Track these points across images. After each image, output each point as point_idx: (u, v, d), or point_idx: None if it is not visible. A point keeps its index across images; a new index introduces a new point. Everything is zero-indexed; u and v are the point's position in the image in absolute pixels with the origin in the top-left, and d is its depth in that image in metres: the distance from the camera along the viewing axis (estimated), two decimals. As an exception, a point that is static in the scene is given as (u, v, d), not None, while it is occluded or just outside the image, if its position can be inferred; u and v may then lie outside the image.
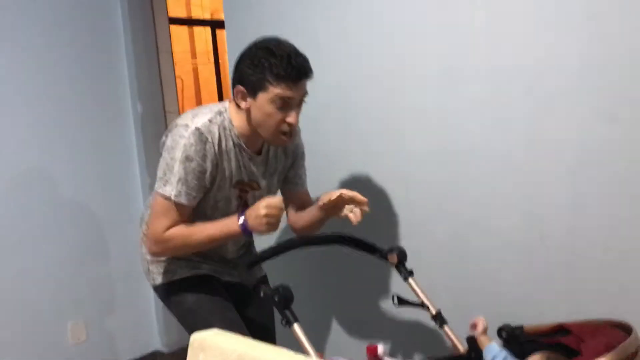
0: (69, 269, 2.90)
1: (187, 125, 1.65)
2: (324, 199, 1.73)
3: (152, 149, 3.17)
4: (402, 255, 1.79)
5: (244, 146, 1.74)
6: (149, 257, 1.87)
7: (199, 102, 5.47)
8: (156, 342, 3.29)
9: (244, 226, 1.63)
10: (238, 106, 1.69)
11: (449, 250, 2.00)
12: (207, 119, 1.67)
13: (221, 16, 2.61)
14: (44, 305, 2.82)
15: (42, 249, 2.81)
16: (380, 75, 2.08)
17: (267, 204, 1.60)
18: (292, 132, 1.70)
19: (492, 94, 1.82)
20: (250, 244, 2.02)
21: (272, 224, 1.61)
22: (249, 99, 1.65)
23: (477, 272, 1.94)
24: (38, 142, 2.80)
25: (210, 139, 1.65)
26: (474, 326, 1.59)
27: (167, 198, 1.65)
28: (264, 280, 2.01)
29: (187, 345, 1.23)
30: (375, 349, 1.65)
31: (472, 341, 1.63)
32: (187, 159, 1.63)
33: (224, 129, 1.70)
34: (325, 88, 2.24)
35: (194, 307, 1.81)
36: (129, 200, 3.14)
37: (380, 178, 2.15)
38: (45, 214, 2.83)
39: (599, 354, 1.14)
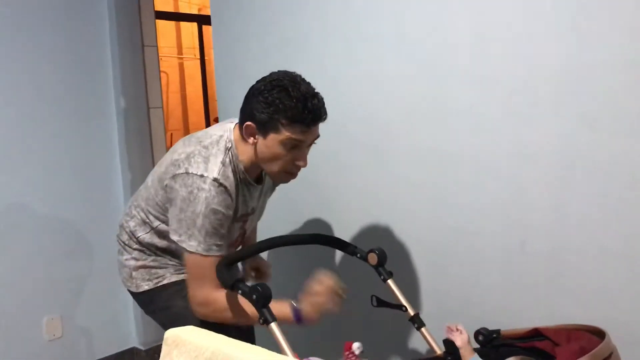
0: (45, 265, 2.86)
1: (203, 176, 1.57)
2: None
3: (134, 144, 3.15)
4: (382, 257, 1.79)
5: (248, 179, 1.69)
6: (132, 263, 1.81)
7: (183, 98, 5.44)
8: (133, 340, 3.26)
9: (297, 314, 1.57)
10: (244, 138, 1.63)
11: (429, 254, 2.01)
12: (219, 161, 1.60)
13: (209, 12, 2.59)
14: (19, 300, 2.78)
15: (18, 244, 2.77)
16: (367, 78, 2.08)
17: (323, 291, 1.58)
18: (297, 173, 1.65)
19: (476, 100, 1.83)
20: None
21: (327, 308, 1.59)
22: (258, 137, 1.59)
23: (456, 275, 1.94)
24: (17, 136, 2.76)
25: (229, 187, 1.60)
26: (449, 330, 1.59)
27: (199, 255, 1.58)
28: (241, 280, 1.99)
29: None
30: (351, 345, 1.65)
31: (449, 344, 1.64)
32: (213, 212, 1.57)
33: (235, 166, 1.64)
34: (313, 83, 2.24)
35: (184, 312, 1.70)
36: (110, 196, 3.11)
37: (365, 180, 2.15)
38: (23, 209, 2.78)
39: (573, 359, 1.15)
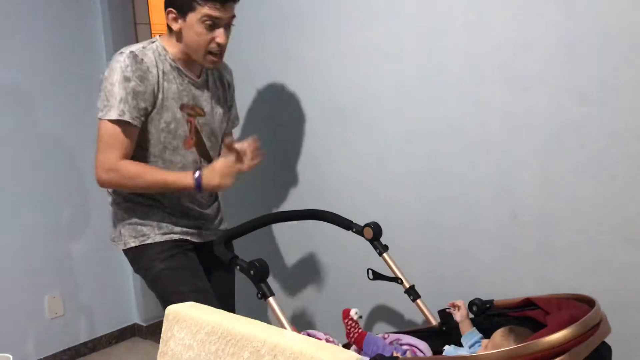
0: (45, 244, 2.89)
1: (121, 52, 1.72)
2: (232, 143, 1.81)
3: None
4: (377, 231, 1.82)
5: (182, 70, 1.80)
6: (120, 217, 1.87)
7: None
8: (134, 316, 3.31)
9: (198, 181, 1.71)
10: (170, 30, 1.76)
11: (423, 227, 2.03)
12: (140, 46, 1.76)
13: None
14: (21, 279, 2.81)
15: (17, 223, 2.79)
16: (358, 54, 2.08)
17: (224, 162, 1.71)
18: (221, 53, 1.77)
19: (467, 74, 1.84)
20: (216, 197, 2.04)
21: (226, 180, 1.71)
22: (180, 21, 1.72)
23: (450, 248, 1.98)
24: (13, 114, 2.75)
25: (145, 61, 1.72)
26: (453, 306, 1.62)
27: (113, 122, 1.69)
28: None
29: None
30: (349, 311, 1.69)
31: (444, 314, 1.67)
32: (125, 79, 1.68)
33: (159, 54, 1.77)
34: (304, 65, 2.24)
35: (163, 274, 1.82)
36: (106, 174, 3.12)
37: (358, 155, 2.16)
38: (22, 188, 2.80)
39: (564, 326, 1.18)
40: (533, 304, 1.47)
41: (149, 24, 3.24)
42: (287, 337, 1.06)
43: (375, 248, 1.82)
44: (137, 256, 1.87)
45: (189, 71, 1.82)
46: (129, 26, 3.12)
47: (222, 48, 1.76)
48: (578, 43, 1.62)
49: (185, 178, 1.72)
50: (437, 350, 1.60)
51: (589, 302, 1.33)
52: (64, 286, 2.97)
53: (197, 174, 1.71)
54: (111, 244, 1.94)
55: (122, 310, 3.26)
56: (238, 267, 1.57)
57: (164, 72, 1.76)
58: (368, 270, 1.81)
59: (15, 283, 2.79)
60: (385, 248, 1.82)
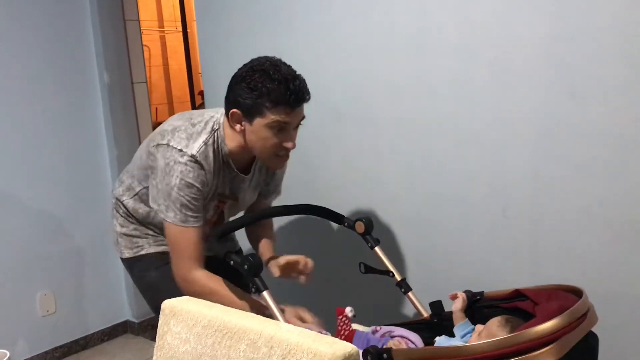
0: (37, 241, 2.88)
1: (182, 151, 1.61)
2: (282, 261, 1.78)
3: (119, 120, 3.15)
4: (369, 225, 1.83)
5: (232, 165, 1.72)
6: (118, 229, 1.89)
7: (166, 71, 5.39)
8: (126, 313, 3.31)
9: None
10: (231, 126, 1.65)
11: (414, 221, 2.06)
12: (202, 141, 1.64)
13: (189, -16, 2.58)
14: (12, 277, 2.81)
15: (9, 221, 2.78)
16: (351, 50, 2.10)
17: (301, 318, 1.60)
18: (288, 155, 1.67)
19: (458, 71, 1.86)
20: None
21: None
22: (244, 122, 1.61)
23: (440, 241, 2.00)
24: (1, 114, 2.74)
25: (206, 165, 1.64)
26: (453, 297, 1.64)
27: (176, 225, 1.63)
28: (239, 252, 2.04)
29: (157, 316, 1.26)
30: (343, 310, 1.71)
31: (435, 306, 1.70)
32: (187, 186, 1.61)
33: (218, 149, 1.67)
34: (295, 63, 2.25)
35: (156, 283, 1.83)
36: (97, 171, 3.12)
37: (350, 151, 2.18)
38: (12, 186, 2.79)
39: (553, 316, 1.20)
40: (522, 295, 1.50)
41: (138, 20, 3.24)
42: (284, 329, 1.08)
43: (367, 242, 1.84)
44: (132, 266, 1.89)
45: (239, 164, 1.74)
46: (118, 22, 3.11)
47: (289, 151, 1.65)
48: (568, 39, 1.64)
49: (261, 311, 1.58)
50: (428, 342, 1.62)
51: (577, 293, 1.35)
52: (55, 283, 2.97)
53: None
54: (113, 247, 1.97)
55: (114, 307, 3.26)
56: (232, 262, 1.59)
57: (216, 169, 1.68)
58: (360, 264, 1.83)
59: (6, 281, 2.79)
60: (377, 242, 1.84)
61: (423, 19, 1.90)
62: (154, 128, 3.39)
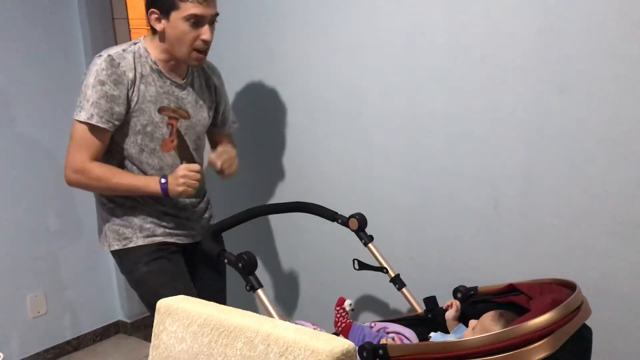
0: (26, 242, 2.85)
1: (99, 55, 1.73)
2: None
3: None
4: (362, 222, 1.84)
5: (164, 72, 1.79)
6: (104, 221, 1.88)
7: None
8: (118, 313, 3.29)
9: (164, 187, 1.72)
10: (153, 32, 1.75)
11: (407, 217, 2.06)
12: (120, 49, 1.75)
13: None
14: (2, 278, 2.77)
15: (-3, 221, 2.76)
16: (340, 47, 2.10)
17: (185, 168, 1.72)
18: (206, 50, 1.76)
19: (449, 66, 1.86)
20: (204, 194, 2.03)
21: (188, 188, 1.71)
22: (163, 20, 1.71)
23: (433, 236, 2.01)
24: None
25: (122, 64, 1.71)
26: (448, 306, 1.64)
27: (83, 123, 1.70)
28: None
29: (150, 315, 1.25)
30: (344, 301, 1.73)
31: (429, 302, 1.71)
32: (99, 82, 1.68)
33: (140, 56, 1.76)
34: (286, 60, 2.25)
35: (145, 278, 1.84)
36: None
37: (341, 147, 2.18)
38: (3, 187, 2.76)
39: (547, 310, 1.21)
40: (516, 289, 1.51)
41: (127, 18, 3.22)
42: (280, 327, 1.08)
43: (361, 239, 1.85)
44: (121, 259, 1.89)
45: (172, 73, 1.81)
46: (107, 21, 3.09)
47: (207, 45, 1.75)
48: (558, 34, 1.65)
49: (154, 183, 1.74)
50: (423, 337, 1.63)
51: (570, 286, 1.37)
52: (46, 284, 2.94)
53: (163, 180, 1.73)
54: (98, 242, 1.94)
55: (106, 307, 3.24)
56: (226, 260, 1.59)
57: (142, 75, 1.75)
58: (354, 260, 1.83)
59: (-3, 283, 2.77)
60: (371, 238, 1.84)
61: (413, 15, 1.90)
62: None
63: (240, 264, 1.54)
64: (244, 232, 2.06)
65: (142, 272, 1.84)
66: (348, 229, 1.86)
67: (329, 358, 0.96)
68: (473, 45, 1.80)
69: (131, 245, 1.85)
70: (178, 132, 1.84)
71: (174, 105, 1.82)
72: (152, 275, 1.83)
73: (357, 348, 1.41)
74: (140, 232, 1.85)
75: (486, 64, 1.79)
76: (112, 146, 1.79)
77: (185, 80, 1.85)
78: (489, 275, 1.83)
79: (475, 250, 1.92)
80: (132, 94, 1.73)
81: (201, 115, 1.90)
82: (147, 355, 1.28)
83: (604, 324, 1.46)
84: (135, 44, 1.78)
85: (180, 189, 1.71)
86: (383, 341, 1.50)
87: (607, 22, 1.58)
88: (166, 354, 1.22)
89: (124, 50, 1.75)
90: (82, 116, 1.70)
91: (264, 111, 2.37)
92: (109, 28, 3.09)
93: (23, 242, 2.84)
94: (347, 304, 1.73)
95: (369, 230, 1.85)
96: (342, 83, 2.12)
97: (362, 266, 1.82)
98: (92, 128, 1.70)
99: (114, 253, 1.90)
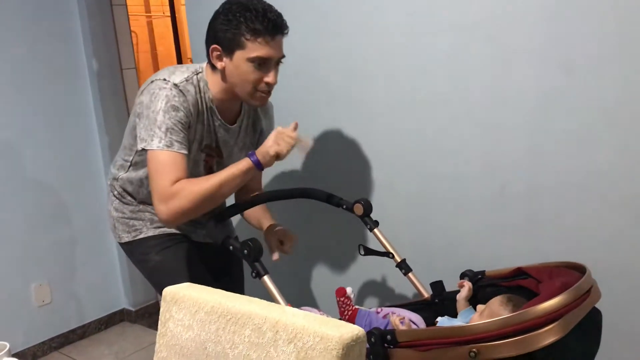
0: (30, 232, 2.85)
1: (165, 80, 1.60)
2: (279, 234, 1.83)
3: (110, 106, 3.11)
4: (368, 207, 1.82)
5: (217, 112, 1.69)
6: (114, 214, 1.86)
7: (154, 58, 5.32)
8: (122, 301, 3.30)
9: (255, 159, 1.57)
10: (213, 67, 1.64)
11: (412, 201, 2.05)
12: (184, 77, 1.62)
13: (177, -33, 2.53)
14: (7, 268, 2.78)
15: (1, 211, 2.75)
16: (343, 29, 2.07)
17: (279, 129, 1.58)
18: (269, 91, 1.65)
19: (454, 45, 1.84)
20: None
21: (281, 147, 1.55)
22: (225, 59, 1.60)
23: (439, 221, 2.00)
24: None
25: (188, 97, 1.60)
26: (461, 285, 1.63)
27: (161, 151, 1.54)
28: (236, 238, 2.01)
29: (154, 303, 1.24)
30: (344, 290, 1.71)
31: (436, 287, 1.70)
32: (173, 108, 1.56)
33: (200, 90, 1.64)
34: (287, 42, 2.22)
35: (159, 266, 1.81)
36: (88, 159, 3.08)
37: (345, 132, 2.16)
38: (3, 177, 2.75)
39: (556, 294, 1.20)
40: (525, 273, 1.50)
41: (125, 5, 3.18)
42: (289, 313, 1.06)
43: (366, 224, 1.83)
44: (132, 250, 1.86)
45: (224, 114, 1.72)
46: (106, 8, 3.06)
47: (271, 87, 1.64)
48: (562, 13, 1.63)
49: (244, 162, 1.58)
50: (430, 322, 1.62)
51: (580, 269, 1.35)
52: (50, 274, 2.95)
53: (251, 154, 1.58)
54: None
55: (110, 295, 3.24)
56: (231, 247, 1.57)
57: (198, 112, 1.64)
58: (359, 246, 1.82)
59: (0, 272, 2.76)
60: (376, 224, 1.83)
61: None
62: (145, 114, 3.36)
63: (245, 251, 1.53)
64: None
65: (155, 261, 1.81)
66: (353, 215, 1.85)
67: (339, 344, 0.95)
68: (478, 25, 1.78)
69: (142, 235, 1.82)
70: (210, 169, 1.77)
71: (214, 144, 1.74)
72: (166, 263, 1.80)
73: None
74: (151, 224, 1.83)
75: (490, 46, 1.77)
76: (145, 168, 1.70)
77: (234, 124, 1.77)
78: (495, 258, 1.82)
79: (482, 234, 1.91)
80: (191, 134, 1.64)
81: (236, 156, 1.80)
82: (152, 343, 1.27)
83: (614, 306, 1.45)
84: (197, 73, 1.65)
85: (273, 150, 1.54)
86: (392, 323, 1.49)
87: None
88: (173, 342, 1.21)
89: (187, 79, 1.61)
90: (156, 145, 1.54)
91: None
92: (107, 15, 3.06)
93: (27, 232, 2.84)
94: (349, 291, 1.71)
95: (374, 215, 1.84)
96: (345, 67, 2.10)
97: (368, 252, 1.81)
98: (172, 155, 1.55)
99: (125, 245, 1.87)
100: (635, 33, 1.53)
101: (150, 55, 5.34)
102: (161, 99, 1.56)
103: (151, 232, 1.83)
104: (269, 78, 1.61)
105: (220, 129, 1.73)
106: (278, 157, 1.56)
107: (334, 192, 1.92)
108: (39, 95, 2.86)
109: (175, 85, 1.59)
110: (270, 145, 1.55)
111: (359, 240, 1.82)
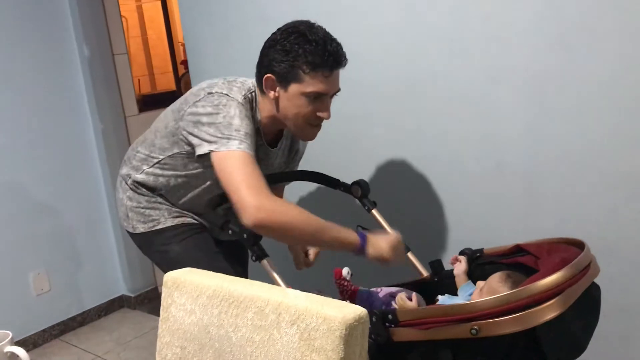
0: (26, 220, 2.85)
1: (228, 96, 1.53)
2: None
3: (102, 92, 3.08)
4: (365, 188, 1.82)
5: (262, 133, 1.65)
6: (128, 202, 1.80)
7: (145, 42, 5.28)
8: (121, 287, 3.30)
9: (362, 246, 1.51)
10: (263, 92, 1.58)
11: (409, 180, 2.05)
12: (241, 95, 1.56)
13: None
14: (4, 257, 2.78)
15: (-4, 200, 2.74)
16: (337, 11, 2.05)
17: (394, 246, 1.53)
18: (320, 125, 1.60)
19: (450, 23, 1.83)
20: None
21: (395, 255, 1.53)
22: (279, 89, 1.53)
23: (437, 199, 2.00)
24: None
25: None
26: (455, 260, 1.63)
27: (242, 152, 1.46)
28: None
29: (153, 288, 1.23)
30: (340, 271, 1.71)
31: (435, 265, 1.70)
32: (247, 117, 1.51)
33: (252, 108, 1.59)
34: (282, 18, 2.20)
35: (180, 257, 1.72)
36: (84, 145, 3.07)
37: (341, 114, 2.14)
38: (3, 165, 2.74)
39: (556, 269, 1.21)
40: (523, 250, 1.50)
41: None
42: (291, 295, 1.07)
43: (364, 205, 1.83)
44: (148, 241, 1.80)
45: (267, 136, 1.67)
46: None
47: (322, 121, 1.58)
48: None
49: (349, 236, 1.50)
50: (430, 301, 1.63)
51: (579, 245, 1.36)
52: (48, 262, 2.95)
53: (361, 235, 1.51)
54: (121, 224, 1.88)
55: (109, 282, 3.25)
56: (230, 231, 1.57)
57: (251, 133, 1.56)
58: (357, 226, 1.82)
59: (-1, 262, 2.76)
60: (374, 204, 1.83)
61: (411, -25, 1.86)
62: (138, 100, 3.35)
63: (244, 235, 1.52)
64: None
65: (176, 251, 1.74)
66: (351, 196, 1.85)
67: (342, 325, 0.96)
68: (473, 5, 1.76)
69: (160, 226, 1.76)
70: None
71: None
72: (188, 254, 1.73)
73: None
74: (169, 214, 1.77)
75: (486, 24, 1.76)
76: (172, 169, 1.68)
77: (275, 147, 1.72)
78: (494, 236, 1.82)
79: (479, 211, 1.91)
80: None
81: (269, 172, 1.74)
82: (152, 328, 1.28)
83: (612, 280, 1.46)
84: (251, 92, 1.59)
85: (387, 255, 1.51)
86: (396, 302, 1.49)
87: (610, -25, 1.54)
88: (176, 327, 1.22)
89: (244, 97, 1.55)
90: (239, 146, 1.45)
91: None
92: (97, 0, 3.02)
93: (23, 221, 2.84)
94: (345, 272, 1.71)
95: (372, 197, 1.83)
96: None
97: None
98: (250, 159, 1.46)
99: (140, 236, 1.80)
100: (632, 6, 1.52)
101: (141, 40, 5.29)
102: (234, 108, 1.51)
103: (169, 222, 1.77)
104: (323, 114, 1.55)
105: (261, 148, 1.67)
106: (383, 263, 1.52)
107: (330, 174, 1.91)
108: (30, 84, 2.83)
109: (241, 99, 1.54)
110: (386, 249, 1.50)
111: (356, 221, 1.82)
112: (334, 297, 1.70)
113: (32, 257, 2.88)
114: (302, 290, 1.12)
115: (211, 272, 1.25)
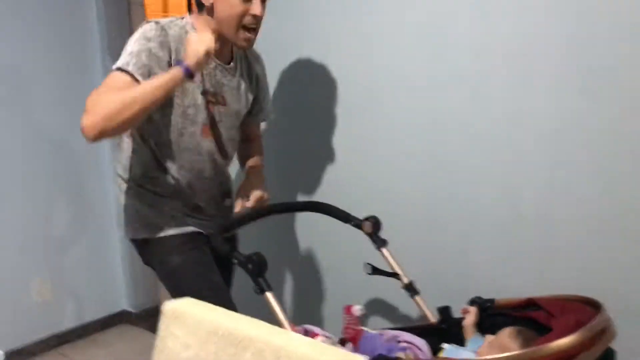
0: (31, 228, 2.83)
1: (148, 22, 1.63)
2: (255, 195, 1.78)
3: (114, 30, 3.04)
4: (377, 225, 1.79)
5: (211, 56, 1.66)
6: (130, 204, 1.79)
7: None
8: (123, 302, 3.27)
9: (183, 65, 1.51)
10: (200, 8, 1.67)
11: (423, 223, 2.01)
12: (167, 20, 1.66)
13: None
14: (6, 264, 2.76)
15: (4, 207, 2.73)
16: (365, 43, 2.04)
17: (200, 39, 1.55)
18: (256, 28, 1.67)
19: (472, 67, 1.80)
20: (230, 191, 1.95)
21: (205, 44, 1.53)
22: None
23: (451, 244, 1.95)
24: (2, 94, 2.68)
25: (171, 33, 1.62)
26: (465, 312, 1.59)
27: (116, 71, 1.55)
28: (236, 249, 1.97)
29: (155, 306, 1.20)
30: (350, 307, 1.67)
31: (443, 311, 1.65)
32: (144, 37, 1.58)
33: (185, 32, 1.66)
34: (301, 44, 2.20)
35: (180, 269, 1.72)
36: (96, 155, 3.05)
37: (358, 149, 2.13)
38: (7, 171, 2.73)
39: (570, 331, 1.16)
40: (536, 304, 1.45)
41: (143, 4, 3.16)
42: (291, 339, 1.03)
43: (374, 242, 1.79)
44: (148, 248, 1.79)
45: (217, 55, 1.71)
46: (123, 6, 3.04)
47: (257, 23, 1.65)
48: (580, 37, 1.59)
49: (173, 72, 1.52)
50: (434, 348, 1.58)
51: (595, 305, 1.31)
52: (51, 271, 2.93)
53: (177, 62, 1.54)
54: (122, 230, 1.88)
55: (112, 295, 3.22)
56: (235, 261, 1.54)
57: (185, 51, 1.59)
58: (366, 264, 1.78)
59: (1, 267, 2.74)
60: (384, 242, 1.78)
61: (435, 11, 1.84)
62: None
63: (249, 265, 1.49)
64: (254, 231, 2.01)
65: (176, 263, 1.73)
66: (361, 232, 1.81)
67: (342, 377, 0.91)
68: (496, 45, 1.74)
69: (162, 234, 1.75)
70: (213, 118, 1.75)
71: (213, 89, 1.73)
72: (187, 266, 1.73)
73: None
74: (173, 220, 1.76)
75: (509, 65, 1.73)
76: (147, 131, 1.70)
77: (230, 64, 1.76)
78: (506, 285, 1.77)
79: (493, 260, 1.86)
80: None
81: (238, 104, 1.81)
82: (152, 346, 1.24)
83: (628, 344, 1.40)
84: (182, 18, 1.69)
85: (200, 51, 1.52)
86: (399, 355, 1.44)
87: (629, 24, 1.51)
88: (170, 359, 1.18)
89: (171, 21, 1.65)
90: (117, 64, 1.56)
91: (278, 108, 2.31)
92: (124, 13, 3.06)
93: (28, 228, 2.83)
94: (356, 310, 1.67)
95: (383, 234, 1.79)
96: (362, 80, 2.06)
97: (375, 271, 1.77)
98: (124, 77, 1.54)
99: (141, 242, 1.79)
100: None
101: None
102: (138, 33, 1.60)
103: (172, 231, 1.75)
104: (254, 10, 1.62)
105: (218, 71, 1.73)
106: (207, 54, 1.54)
107: (344, 208, 1.88)
108: (52, 92, 2.84)
109: (157, 22, 1.62)
110: (198, 46, 1.53)
111: (365, 258, 1.78)
112: (336, 335, 1.66)
113: (36, 265, 2.86)
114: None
115: (212, 305, 1.21)
